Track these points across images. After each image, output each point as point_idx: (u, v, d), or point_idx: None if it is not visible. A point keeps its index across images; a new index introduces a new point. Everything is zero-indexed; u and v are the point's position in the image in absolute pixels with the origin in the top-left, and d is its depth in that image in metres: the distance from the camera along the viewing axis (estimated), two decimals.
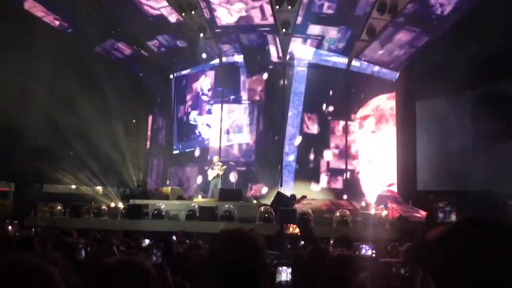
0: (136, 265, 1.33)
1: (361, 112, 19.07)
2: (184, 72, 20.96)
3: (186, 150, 20.46)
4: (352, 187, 18.43)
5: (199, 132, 20.37)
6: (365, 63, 18.80)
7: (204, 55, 19.48)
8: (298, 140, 18.60)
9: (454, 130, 16.17)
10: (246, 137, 19.29)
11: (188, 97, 20.87)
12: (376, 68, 18.93)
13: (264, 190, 18.10)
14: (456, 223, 1.13)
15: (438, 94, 16.84)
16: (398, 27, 16.87)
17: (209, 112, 20.31)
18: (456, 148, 15.84)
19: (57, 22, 18.05)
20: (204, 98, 20.45)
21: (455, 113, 16.25)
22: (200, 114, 20.45)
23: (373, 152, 18.79)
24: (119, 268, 1.30)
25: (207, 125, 20.16)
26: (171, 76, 21.28)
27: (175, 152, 20.67)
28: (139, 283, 1.29)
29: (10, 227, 9.51)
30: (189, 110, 20.74)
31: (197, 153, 20.08)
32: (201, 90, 20.59)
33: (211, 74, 20.38)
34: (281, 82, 18.74)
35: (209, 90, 20.42)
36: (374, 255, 4.28)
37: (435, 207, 1.72)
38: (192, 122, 20.49)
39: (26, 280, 1.06)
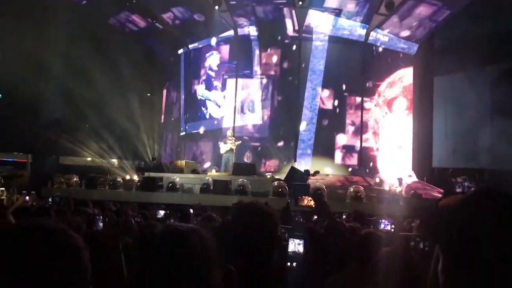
0: (199, 231, 1.34)
1: (389, 92, 18.73)
2: (198, 46, 20.73)
3: (193, 131, 20.46)
4: (367, 163, 18.30)
5: (207, 111, 20.21)
6: (383, 37, 18.44)
7: (213, 41, 19.33)
8: (303, 125, 18.30)
9: (472, 106, 15.90)
10: (259, 113, 19.16)
11: (202, 71, 20.71)
12: (394, 42, 18.57)
13: (278, 165, 18.03)
14: (471, 193, 1.03)
15: (457, 70, 16.51)
16: (418, 0, 16.47)
17: (216, 88, 20.10)
18: (473, 125, 15.61)
19: None
20: (211, 73, 20.21)
21: (474, 89, 15.95)
22: (208, 89, 20.36)
23: (392, 130, 18.57)
24: (190, 231, 1.31)
25: (216, 104, 20.01)
26: (180, 51, 21.10)
27: (182, 134, 20.70)
28: (205, 248, 1.30)
29: (27, 197, 9.66)
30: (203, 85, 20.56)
31: (201, 132, 19.94)
32: (208, 66, 20.39)
33: (225, 48, 20.14)
34: (297, 56, 18.47)
35: (218, 65, 20.21)
36: (393, 230, 4.26)
37: (454, 182, 1.62)
38: (199, 97, 20.37)
39: (50, 244, 1.05)
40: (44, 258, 1.01)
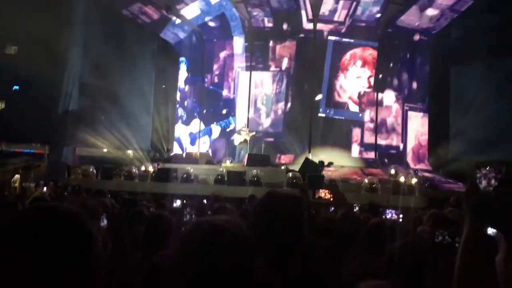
0: (236, 222, 1.26)
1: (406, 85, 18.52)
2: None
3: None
4: (385, 157, 17.98)
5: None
6: (399, 28, 18.15)
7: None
8: (319, 117, 18.07)
9: (489, 97, 15.63)
10: (274, 107, 18.95)
11: (215, 66, 20.30)
12: (411, 33, 18.28)
13: (292, 159, 17.76)
14: None
15: (474, 60, 16.23)
16: None
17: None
18: (490, 116, 15.33)
19: None
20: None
21: (491, 80, 15.68)
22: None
23: (410, 123, 18.39)
24: (228, 224, 1.24)
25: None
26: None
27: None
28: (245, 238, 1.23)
29: (45, 188, 9.77)
30: (216, 80, 20.17)
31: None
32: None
33: (239, 41, 19.72)
34: (312, 49, 18.08)
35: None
36: (400, 220, 4.22)
37: (477, 173, 1.56)
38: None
39: (60, 227, 0.98)
40: (53, 242, 0.96)
